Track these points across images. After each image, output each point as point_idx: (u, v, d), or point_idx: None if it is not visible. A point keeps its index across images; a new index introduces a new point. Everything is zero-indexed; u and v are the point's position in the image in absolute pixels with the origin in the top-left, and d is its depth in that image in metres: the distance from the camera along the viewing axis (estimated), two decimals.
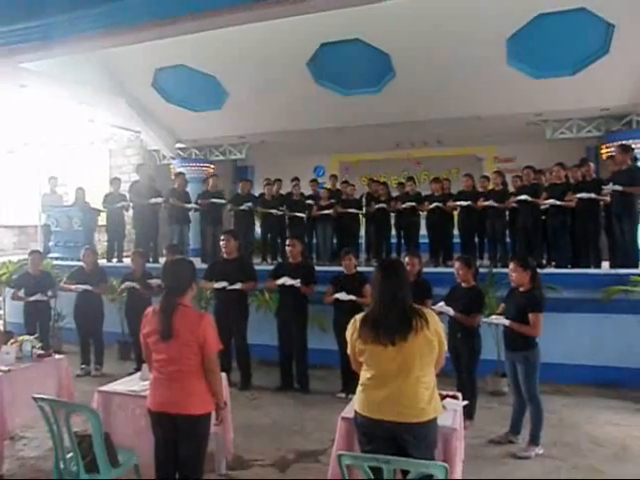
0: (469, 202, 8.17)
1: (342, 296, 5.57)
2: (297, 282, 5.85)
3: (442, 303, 4.86)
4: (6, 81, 7.99)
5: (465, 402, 3.64)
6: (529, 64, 7.87)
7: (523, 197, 7.36)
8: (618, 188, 6.49)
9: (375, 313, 2.64)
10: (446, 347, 2.68)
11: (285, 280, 5.87)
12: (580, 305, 6.16)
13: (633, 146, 8.03)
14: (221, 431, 3.74)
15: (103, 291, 6.91)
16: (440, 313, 4.79)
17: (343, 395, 5.60)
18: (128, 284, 6.58)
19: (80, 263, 7.06)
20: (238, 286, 6.01)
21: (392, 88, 8.51)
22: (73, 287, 6.70)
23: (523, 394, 4.34)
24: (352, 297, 5.51)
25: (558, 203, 7.05)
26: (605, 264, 7.20)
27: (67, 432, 2.97)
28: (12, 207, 13.41)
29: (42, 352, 4.62)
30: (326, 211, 9.18)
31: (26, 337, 4.69)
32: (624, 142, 7.72)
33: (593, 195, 6.83)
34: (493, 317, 4.53)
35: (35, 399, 2.99)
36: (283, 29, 6.85)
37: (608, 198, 6.85)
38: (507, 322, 4.32)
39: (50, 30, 5.22)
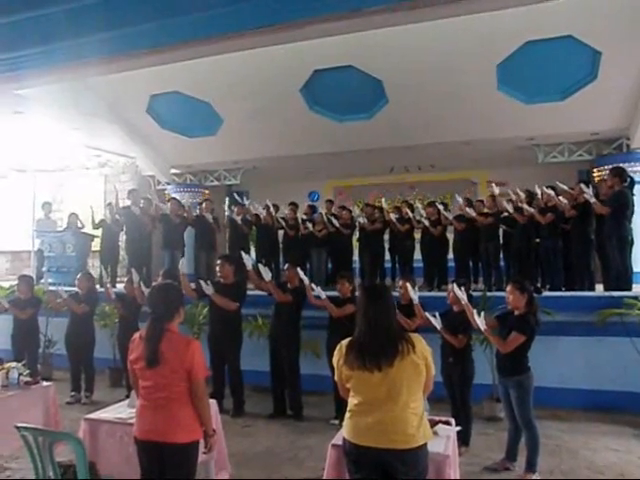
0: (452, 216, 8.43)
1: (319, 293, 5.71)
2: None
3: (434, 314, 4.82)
4: (1, 107, 8.04)
5: (458, 428, 3.59)
6: (519, 90, 7.98)
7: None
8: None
9: (360, 338, 2.60)
10: (434, 371, 2.64)
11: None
12: (574, 328, 6.14)
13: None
14: (210, 460, 3.67)
15: (80, 309, 6.65)
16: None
17: (337, 422, 5.47)
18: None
19: (74, 289, 7.00)
20: (210, 292, 5.96)
21: (385, 114, 8.60)
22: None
23: (517, 420, 4.29)
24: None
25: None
26: (599, 287, 7.18)
27: (50, 462, 2.90)
28: (5, 233, 13.37)
29: (29, 379, 4.55)
30: (318, 233, 9.10)
31: (13, 364, 4.62)
32: (616, 165, 7.76)
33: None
34: (477, 316, 4.37)
35: (18, 428, 2.92)
36: (277, 56, 6.96)
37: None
38: (481, 324, 4.27)
39: (49, 57, 5.25)
